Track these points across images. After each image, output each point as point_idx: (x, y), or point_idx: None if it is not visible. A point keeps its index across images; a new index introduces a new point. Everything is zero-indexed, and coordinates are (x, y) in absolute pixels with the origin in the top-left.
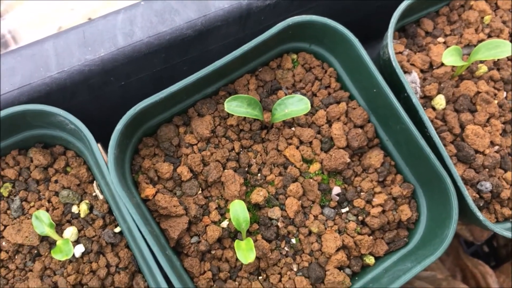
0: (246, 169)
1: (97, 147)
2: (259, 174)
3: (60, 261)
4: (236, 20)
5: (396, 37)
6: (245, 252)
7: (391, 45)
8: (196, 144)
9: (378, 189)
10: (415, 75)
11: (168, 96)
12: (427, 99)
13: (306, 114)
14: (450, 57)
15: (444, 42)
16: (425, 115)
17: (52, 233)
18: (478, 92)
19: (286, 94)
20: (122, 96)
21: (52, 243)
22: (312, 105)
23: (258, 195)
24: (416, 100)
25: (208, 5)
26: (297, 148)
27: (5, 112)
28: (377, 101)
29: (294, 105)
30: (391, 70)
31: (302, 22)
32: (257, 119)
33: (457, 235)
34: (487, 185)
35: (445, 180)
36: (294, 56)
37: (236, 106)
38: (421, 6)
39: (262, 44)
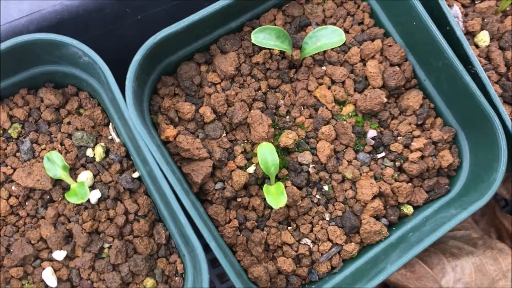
0: (274, 110)
1: (113, 80)
2: (288, 116)
3: (75, 207)
4: None
5: None
6: (276, 196)
7: None
8: (220, 83)
9: (416, 132)
10: (457, 9)
11: (190, 26)
12: (469, 36)
13: (338, 52)
14: None
15: None
16: (471, 49)
17: (66, 176)
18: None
19: None
20: (138, 33)
21: (65, 188)
22: (344, 43)
23: (288, 138)
24: (460, 33)
25: None
26: (329, 88)
27: (12, 42)
28: (416, 36)
29: (327, 37)
30: (432, 2)
31: None
32: (285, 57)
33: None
34: None
35: (493, 120)
36: None
37: (264, 39)
38: None
39: None
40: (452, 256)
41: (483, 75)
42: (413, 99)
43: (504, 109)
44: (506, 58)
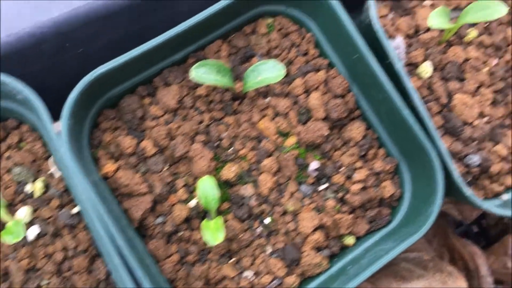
0: (217, 143)
1: (48, 118)
2: (231, 149)
3: (13, 244)
4: None
5: (381, 0)
6: (213, 232)
7: (374, 7)
8: (162, 116)
9: (359, 164)
10: (399, 41)
11: (130, 61)
12: (412, 67)
13: (282, 83)
14: (436, 19)
15: (432, 5)
16: (409, 83)
17: (3, 213)
18: (467, 59)
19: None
20: (81, 66)
21: (3, 225)
22: (288, 74)
23: (230, 171)
24: (399, 66)
25: None
26: (272, 120)
27: None
28: (358, 69)
29: (268, 72)
30: (374, 34)
31: None
32: (229, 89)
33: (445, 214)
34: (475, 159)
35: (430, 153)
36: (270, 21)
37: (204, 73)
38: None
39: (232, 6)
40: (402, 279)
41: (421, 108)
42: (356, 130)
43: (442, 143)
44: (448, 88)
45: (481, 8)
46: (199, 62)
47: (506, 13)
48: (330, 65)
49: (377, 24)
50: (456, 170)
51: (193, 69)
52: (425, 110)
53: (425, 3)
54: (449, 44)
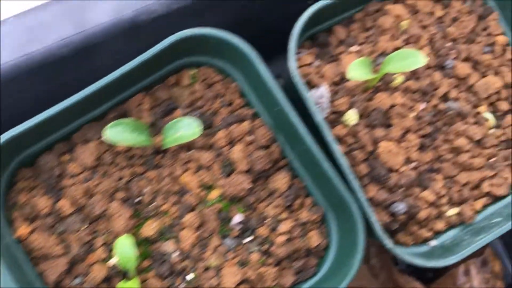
0: (138, 199)
1: None
2: (152, 204)
3: None
4: (122, 34)
5: (306, 47)
6: None
7: (293, 58)
8: (81, 174)
9: (284, 215)
10: (324, 89)
11: (47, 120)
12: (338, 115)
13: (205, 135)
14: (355, 71)
15: (358, 51)
16: (329, 135)
17: None
18: (393, 105)
19: (184, 114)
20: None
21: None
22: (212, 125)
23: (150, 228)
24: (319, 119)
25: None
26: (195, 173)
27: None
28: (281, 120)
29: (184, 129)
30: (295, 85)
31: (194, 36)
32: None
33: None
34: (400, 207)
35: (351, 206)
36: (194, 71)
37: (119, 133)
38: (333, 12)
39: (153, 59)
40: None
41: (342, 160)
42: (281, 180)
43: (362, 194)
44: (373, 136)
45: (401, 58)
46: (113, 122)
47: (425, 63)
48: (256, 115)
49: (296, 77)
50: (377, 223)
51: (107, 129)
52: (346, 161)
53: (351, 49)
54: (376, 90)
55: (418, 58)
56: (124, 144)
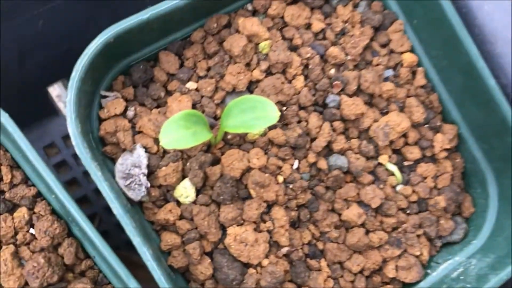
0: None
1: None
2: None
3: None
4: None
5: (118, 87)
6: None
7: (71, 116)
8: None
9: None
10: (140, 153)
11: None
12: (165, 189)
13: None
14: (169, 136)
15: (197, 89)
16: (128, 226)
17: None
18: (250, 169)
19: None
20: None
21: None
22: None
23: None
24: (119, 214)
25: None
26: None
27: None
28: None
29: None
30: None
31: None
32: None
33: None
34: None
35: None
36: None
37: None
38: (154, 33)
39: None
40: None
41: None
42: None
43: None
44: (220, 218)
45: (242, 111)
46: None
47: (275, 119)
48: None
49: (79, 148)
50: None
51: None
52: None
53: (187, 86)
54: (224, 147)
55: (266, 112)
56: None
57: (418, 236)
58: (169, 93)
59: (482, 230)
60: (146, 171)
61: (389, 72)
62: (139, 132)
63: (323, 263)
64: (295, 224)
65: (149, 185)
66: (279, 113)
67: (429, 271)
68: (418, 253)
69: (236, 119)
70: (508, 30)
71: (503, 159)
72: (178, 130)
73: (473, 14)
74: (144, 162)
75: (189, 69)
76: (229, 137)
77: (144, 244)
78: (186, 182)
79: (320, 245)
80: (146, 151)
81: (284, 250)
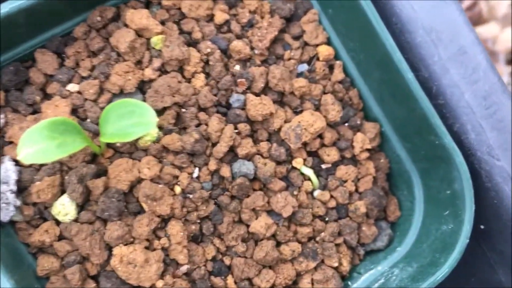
0: None
1: None
2: None
3: None
4: None
5: None
6: None
7: None
8: None
9: None
10: (8, 168)
11: None
12: (41, 207)
13: None
14: (28, 148)
15: (79, 92)
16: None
17: None
18: (140, 180)
19: None
20: None
21: None
22: None
23: None
24: None
25: None
26: None
27: None
28: None
29: None
30: None
31: None
32: None
33: None
34: None
35: None
36: None
37: None
38: (26, 27)
39: None
40: None
41: None
42: None
43: None
44: (106, 237)
45: (119, 116)
46: None
47: (154, 126)
48: None
49: None
50: None
51: None
52: None
53: (68, 88)
54: (113, 155)
55: (144, 117)
56: None
57: (338, 245)
58: (48, 96)
59: (408, 235)
60: (15, 188)
61: (304, 67)
62: (10, 142)
63: (230, 280)
64: (197, 238)
65: (18, 203)
66: (157, 119)
67: (349, 282)
68: (336, 264)
69: (113, 125)
70: (429, 17)
71: (427, 159)
72: (40, 142)
73: (391, 1)
74: (13, 177)
75: (70, 69)
76: (118, 144)
77: (5, 274)
78: (65, 198)
79: (227, 261)
80: (16, 165)
81: (184, 268)
